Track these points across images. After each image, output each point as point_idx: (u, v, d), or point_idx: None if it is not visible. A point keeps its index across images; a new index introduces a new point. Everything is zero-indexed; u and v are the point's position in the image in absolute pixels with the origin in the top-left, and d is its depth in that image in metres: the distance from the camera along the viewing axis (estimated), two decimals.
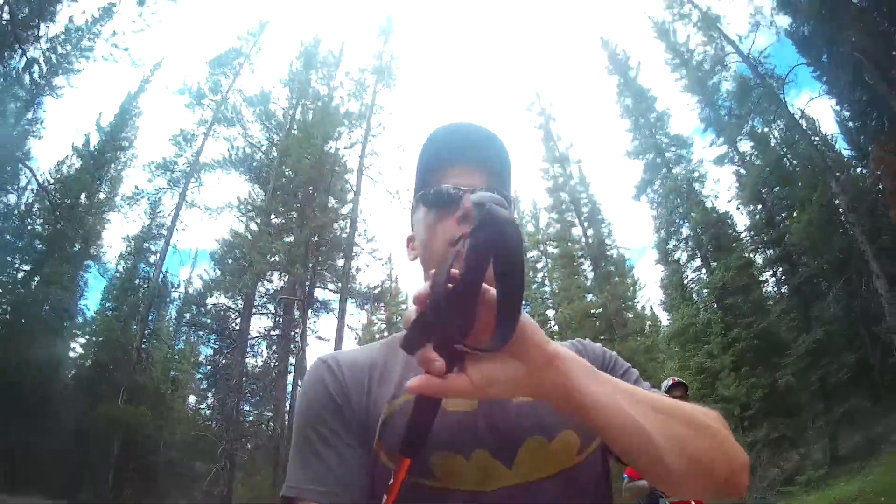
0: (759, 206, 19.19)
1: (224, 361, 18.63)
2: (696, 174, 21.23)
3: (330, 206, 20.09)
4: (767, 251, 18.88)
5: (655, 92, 23.30)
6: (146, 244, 20.54)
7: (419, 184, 1.02)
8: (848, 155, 17.04)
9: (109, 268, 20.66)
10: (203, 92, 19.75)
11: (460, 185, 0.95)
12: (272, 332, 18.90)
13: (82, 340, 20.12)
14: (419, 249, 1.01)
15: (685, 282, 20.66)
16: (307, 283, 18.52)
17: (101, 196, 20.01)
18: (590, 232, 24.35)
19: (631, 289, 24.38)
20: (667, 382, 4.61)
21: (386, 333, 36.13)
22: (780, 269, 18.47)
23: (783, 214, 18.65)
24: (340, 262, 19.55)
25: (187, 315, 20.89)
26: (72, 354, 19.16)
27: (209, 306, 19.49)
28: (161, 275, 19.60)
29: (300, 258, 17.66)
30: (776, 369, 15.72)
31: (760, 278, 18.67)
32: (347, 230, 19.54)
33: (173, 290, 21.66)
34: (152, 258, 20.57)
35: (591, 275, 24.06)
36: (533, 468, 0.84)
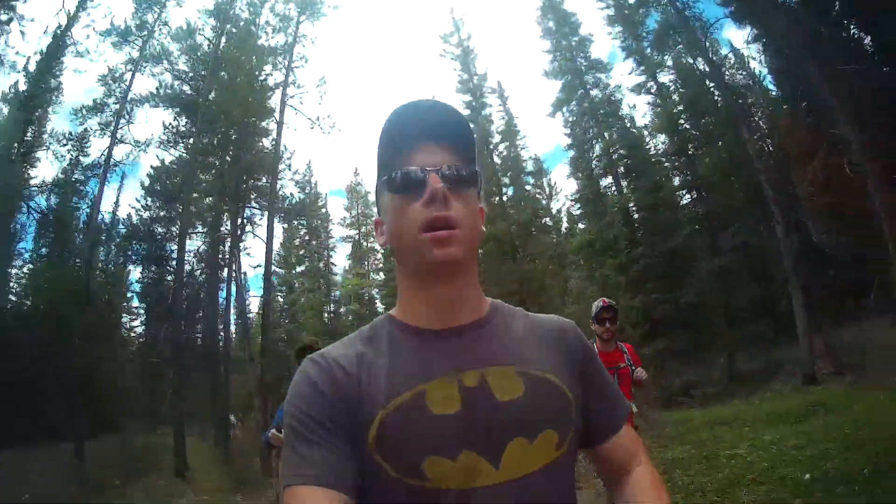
0: (674, 136, 19.77)
1: (164, 285, 19.22)
2: (613, 97, 21.63)
3: (256, 131, 20.46)
4: (684, 175, 19.55)
5: (581, 19, 23.19)
6: (78, 185, 20.70)
7: (382, 167, 0.99)
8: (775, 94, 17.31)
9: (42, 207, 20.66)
10: (130, 30, 19.71)
11: (425, 165, 0.93)
12: (203, 249, 19.52)
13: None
14: (388, 236, 0.99)
15: (596, 196, 21.42)
16: (238, 204, 19.23)
17: (29, 137, 20.05)
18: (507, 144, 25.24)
19: (547, 190, 25.26)
20: (598, 304, 4.51)
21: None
22: (692, 196, 19.22)
23: (696, 145, 19.35)
24: (265, 183, 20.21)
25: (125, 248, 20.85)
26: (12, 298, 18.82)
27: (143, 233, 19.73)
28: (101, 215, 19.89)
29: (228, 180, 18.36)
30: (680, 287, 16.86)
31: (672, 200, 19.32)
32: (272, 153, 20.17)
33: (111, 225, 21.83)
34: (86, 197, 20.66)
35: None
36: (518, 467, 0.89)
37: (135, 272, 21.63)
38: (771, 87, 17.50)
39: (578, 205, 23.05)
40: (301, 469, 0.84)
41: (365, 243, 43.81)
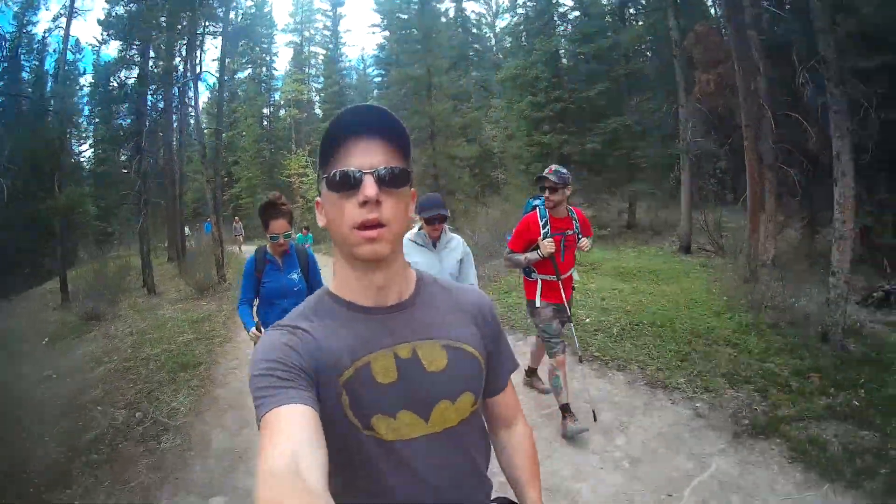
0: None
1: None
2: None
3: None
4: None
5: None
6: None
7: (322, 158, 1.07)
8: None
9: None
10: None
11: (362, 167, 1.02)
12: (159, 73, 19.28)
13: None
14: (327, 222, 1.10)
15: (524, 33, 21.76)
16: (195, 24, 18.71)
17: None
18: None
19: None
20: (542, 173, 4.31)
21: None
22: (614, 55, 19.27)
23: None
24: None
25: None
26: None
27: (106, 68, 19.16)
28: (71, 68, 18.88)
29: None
30: (589, 132, 17.89)
31: (599, 55, 19.16)
32: None
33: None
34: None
35: None
36: (442, 421, 1.10)
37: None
38: None
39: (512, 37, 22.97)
40: (274, 398, 0.89)
41: (307, 48, 42.73)
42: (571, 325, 4.58)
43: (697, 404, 4.87)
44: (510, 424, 1.35)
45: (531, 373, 5.44)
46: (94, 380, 7.11)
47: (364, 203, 1.00)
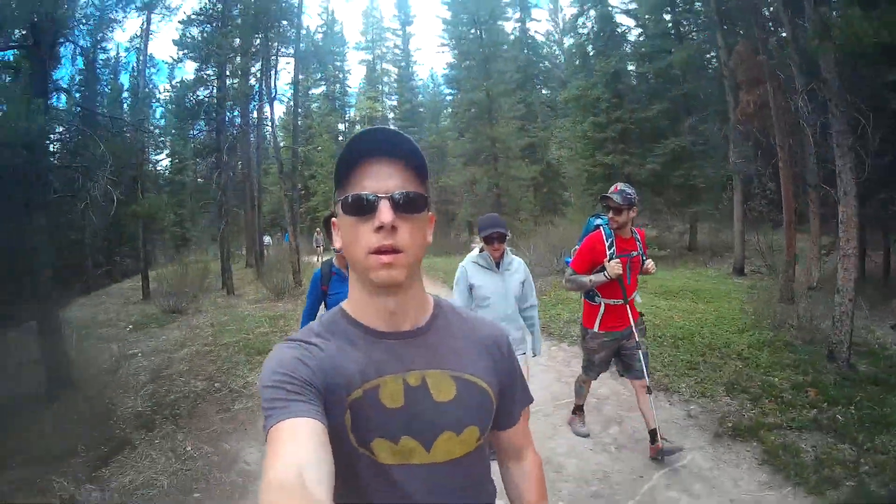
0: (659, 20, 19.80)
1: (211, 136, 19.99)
2: None
3: None
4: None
5: None
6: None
7: (338, 181, 1.06)
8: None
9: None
10: None
11: (377, 191, 1.00)
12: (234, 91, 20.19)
13: None
14: (342, 244, 1.08)
15: (587, 54, 22.26)
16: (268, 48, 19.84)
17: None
18: None
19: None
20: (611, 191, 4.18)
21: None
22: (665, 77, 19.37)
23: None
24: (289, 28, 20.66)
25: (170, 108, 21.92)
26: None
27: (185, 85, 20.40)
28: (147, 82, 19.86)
29: (251, 31, 19.07)
30: (648, 154, 18.26)
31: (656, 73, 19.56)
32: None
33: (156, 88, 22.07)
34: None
35: None
36: (446, 452, 1.06)
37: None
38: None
39: (578, 59, 23.70)
40: (283, 410, 0.89)
41: (379, 66, 44.49)
42: (640, 350, 4.30)
43: (692, 407, 5.44)
44: (520, 457, 1.34)
45: (577, 409, 5.17)
46: (178, 358, 8.25)
47: (379, 228, 0.99)
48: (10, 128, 6.04)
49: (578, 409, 4.96)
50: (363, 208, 1.00)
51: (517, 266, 4.11)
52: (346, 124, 44.53)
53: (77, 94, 20.17)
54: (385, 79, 44.52)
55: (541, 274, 12.30)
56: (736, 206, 14.79)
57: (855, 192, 6.12)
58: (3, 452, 5.10)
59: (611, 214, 4.14)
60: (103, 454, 5.07)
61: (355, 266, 1.06)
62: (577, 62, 22.74)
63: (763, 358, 6.52)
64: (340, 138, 42.52)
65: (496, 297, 4.01)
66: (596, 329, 4.35)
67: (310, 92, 41.81)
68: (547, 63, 36.00)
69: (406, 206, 1.01)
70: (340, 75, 44.83)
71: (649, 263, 4.27)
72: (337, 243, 1.12)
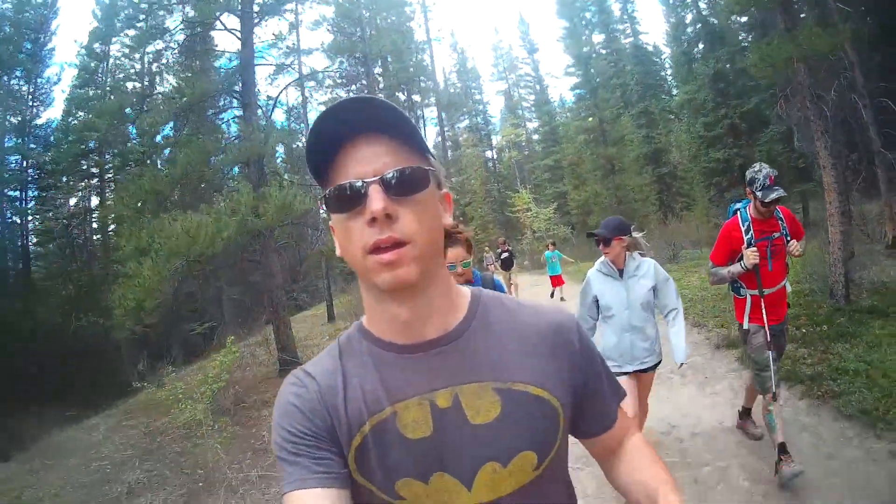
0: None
1: None
2: None
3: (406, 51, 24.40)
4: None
5: None
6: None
7: (316, 174, 0.88)
8: None
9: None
10: None
11: (363, 176, 0.82)
12: None
13: None
14: (341, 252, 0.90)
15: (690, 63, 23.84)
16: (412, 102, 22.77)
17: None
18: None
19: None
20: (763, 174, 3.59)
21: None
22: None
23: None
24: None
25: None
26: None
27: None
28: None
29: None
30: (753, 145, 19.84)
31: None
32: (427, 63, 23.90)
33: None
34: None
35: None
36: (491, 489, 0.86)
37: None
38: None
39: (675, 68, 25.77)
40: (293, 477, 0.84)
41: (516, 93, 48.06)
42: (771, 352, 3.71)
43: (711, 335, 7.76)
44: (622, 446, 1.09)
45: (744, 414, 4.63)
46: None
47: (373, 221, 0.80)
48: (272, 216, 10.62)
49: (782, 451, 3.68)
50: (350, 200, 0.83)
51: (646, 270, 3.73)
52: (494, 150, 47.74)
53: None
54: (523, 103, 47.24)
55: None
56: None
57: (831, 165, 8.32)
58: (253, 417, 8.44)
59: (770, 207, 3.63)
60: None
61: (358, 271, 0.87)
62: (684, 68, 24.28)
63: None
64: (490, 165, 46.03)
65: (618, 307, 3.70)
66: (746, 323, 3.87)
67: (456, 126, 45.19)
68: (662, 73, 37.34)
69: (402, 186, 0.83)
70: (480, 106, 48.05)
71: (793, 245, 3.66)
72: (338, 250, 0.91)
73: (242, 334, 16.64)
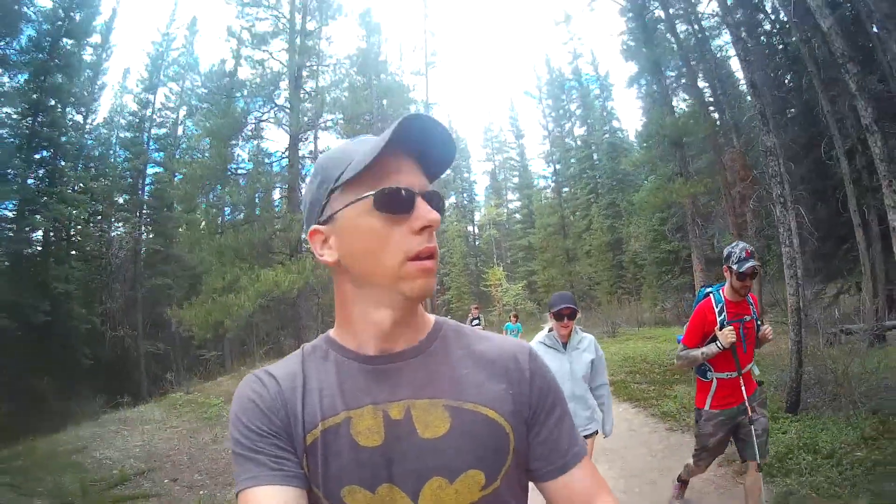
0: None
1: None
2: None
3: None
4: None
5: None
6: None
7: (356, 170, 0.83)
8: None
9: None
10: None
11: (411, 186, 0.85)
12: None
13: None
14: (347, 255, 0.88)
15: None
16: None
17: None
18: None
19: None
20: (737, 251, 3.57)
21: None
22: None
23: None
24: None
25: None
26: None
27: None
28: None
29: None
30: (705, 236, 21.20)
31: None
32: None
33: None
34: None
35: None
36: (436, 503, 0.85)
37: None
38: None
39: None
40: (249, 474, 0.83)
41: (501, 174, 50.12)
42: (752, 427, 3.65)
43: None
44: None
45: (682, 484, 4.70)
46: None
47: (423, 229, 0.84)
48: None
49: (684, 484, 4.54)
50: (400, 204, 0.84)
51: (587, 344, 3.84)
52: (476, 226, 49.92)
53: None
54: (508, 184, 49.71)
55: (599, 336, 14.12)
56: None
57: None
58: None
59: (746, 282, 3.62)
60: None
61: (377, 280, 0.86)
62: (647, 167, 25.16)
63: None
64: (470, 240, 48.18)
65: (561, 378, 3.31)
66: (707, 408, 3.85)
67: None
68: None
69: (436, 206, 0.87)
70: (467, 185, 50.50)
71: (766, 329, 3.74)
72: (330, 256, 0.89)
73: (248, 363, 19.11)
